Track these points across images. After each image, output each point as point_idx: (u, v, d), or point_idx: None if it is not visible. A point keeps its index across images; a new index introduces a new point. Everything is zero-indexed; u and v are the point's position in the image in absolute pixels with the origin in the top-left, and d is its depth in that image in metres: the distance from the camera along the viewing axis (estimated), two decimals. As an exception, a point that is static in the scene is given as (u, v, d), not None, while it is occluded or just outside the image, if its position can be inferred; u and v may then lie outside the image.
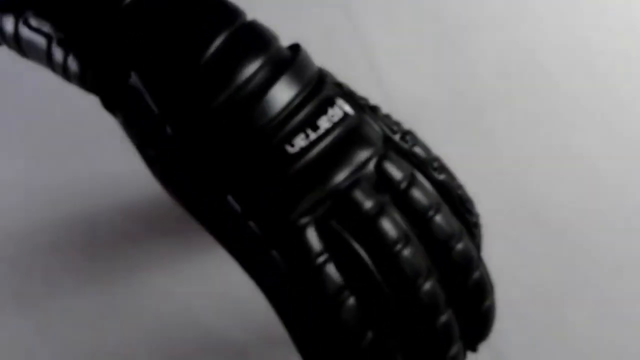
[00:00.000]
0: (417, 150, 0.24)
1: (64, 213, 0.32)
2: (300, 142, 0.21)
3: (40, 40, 0.22)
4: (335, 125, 0.22)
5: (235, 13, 0.23)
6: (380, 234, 0.21)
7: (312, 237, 0.21)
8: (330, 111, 0.22)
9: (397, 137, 0.23)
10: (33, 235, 0.32)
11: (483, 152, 0.35)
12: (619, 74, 0.40)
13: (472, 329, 0.23)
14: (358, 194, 0.21)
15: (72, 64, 0.22)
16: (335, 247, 0.21)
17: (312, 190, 0.21)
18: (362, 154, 0.22)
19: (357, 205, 0.21)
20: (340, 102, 0.23)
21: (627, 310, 0.31)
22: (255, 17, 0.24)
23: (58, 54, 0.22)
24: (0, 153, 0.34)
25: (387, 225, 0.21)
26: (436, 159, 0.24)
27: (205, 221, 0.22)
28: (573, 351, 0.29)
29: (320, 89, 0.23)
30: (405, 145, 0.24)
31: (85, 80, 0.22)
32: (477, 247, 0.24)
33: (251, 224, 0.21)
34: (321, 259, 0.20)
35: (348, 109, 0.23)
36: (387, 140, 0.23)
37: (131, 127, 0.23)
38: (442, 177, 0.24)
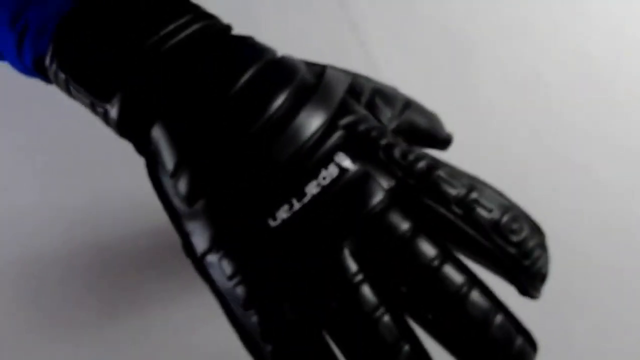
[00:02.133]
0: (444, 189, 0.22)
1: (74, 238, 0.33)
2: (282, 214, 0.21)
3: (84, 100, 0.24)
4: (324, 190, 0.21)
5: (263, 51, 0.23)
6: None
7: None
8: (323, 172, 0.21)
9: (412, 182, 0.22)
10: (41, 260, 0.32)
11: (486, 165, 0.36)
12: (620, 86, 0.41)
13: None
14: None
15: (112, 114, 0.23)
16: None
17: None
18: (350, 217, 0.21)
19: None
20: (339, 157, 0.22)
21: (628, 318, 0.32)
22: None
23: (99, 107, 0.23)
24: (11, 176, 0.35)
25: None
26: (464, 200, 0.21)
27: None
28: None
29: (329, 135, 0.22)
30: (424, 193, 0.21)
31: (121, 129, 0.23)
32: (535, 275, 0.21)
33: None
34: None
35: (347, 164, 0.21)
36: (395, 194, 0.21)
37: (151, 176, 0.23)
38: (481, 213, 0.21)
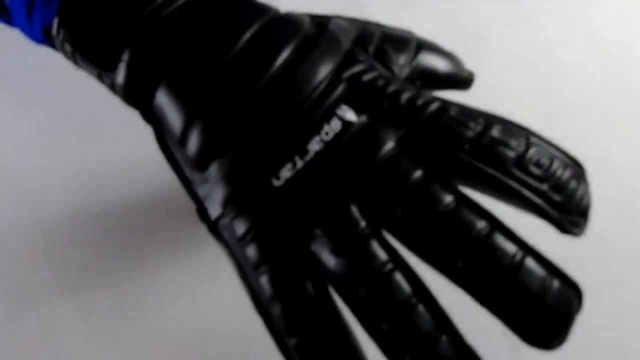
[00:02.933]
0: (457, 129, 0.20)
1: (76, 204, 0.33)
2: (286, 173, 0.20)
3: (91, 71, 0.24)
4: (328, 145, 0.20)
5: (265, 8, 0.23)
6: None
7: None
8: (326, 127, 0.20)
9: (421, 127, 0.20)
10: (41, 227, 0.32)
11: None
12: (635, 69, 0.40)
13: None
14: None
15: (118, 81, 0.23)
16: None
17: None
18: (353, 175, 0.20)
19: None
20: (342, 110, 0.21)
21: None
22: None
23: (106, 78, 0.23)
24: (12, 142, 0.35)
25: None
26: (480, 139, 0.20)
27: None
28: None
29: (332, 88, 0.21)
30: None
31: (127, 97, 0.23)
32: (571, 210, 0.20)
33: None
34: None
35: (350, 116, 0.21)
36: (404, 143, 0.20)
37: (160, 145, 0.23)
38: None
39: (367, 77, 0.21)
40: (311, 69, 0.21)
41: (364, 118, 0.21)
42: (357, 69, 0.21)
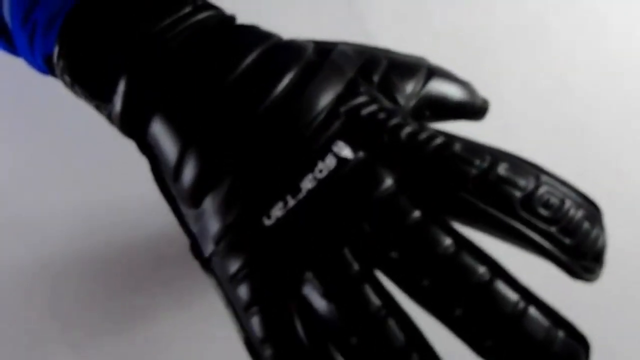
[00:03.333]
0: (461, 168, 0.19)
1: (75, 243, 0.33)
2: (277, 212, 0.19)
3: (90, 101, 0.23)
4: (321, 183, 0.19)
5: (267, 35, 0.22)
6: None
7: None
8: (320, 165, 0.19)
9: (423, 165, 0.19)
10: (49, 266, 0.32)
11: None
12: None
13: None
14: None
15: (115, 111, 0.22)
16: None
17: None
18: (348, 216, 0.19)
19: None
20: (338, 146, 0.20)
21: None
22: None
23: (104, 109, 0.23)
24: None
25: None
26: (485, 178, 0.19)
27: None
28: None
29: (330, 122, 0.20)
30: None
31: (124, 127, 0.22)
32: (583, 255, 0.18)
33: None
34: None
35: (346, 153, 0.20)
36: (403, 182, 0.19)
37: (156, 178, 0.23)
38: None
39: (366, 110, 0.20)
40: (309, 100, 0.20)
41: (361, 154, 0.20)
42: (356, 101, 0.20)
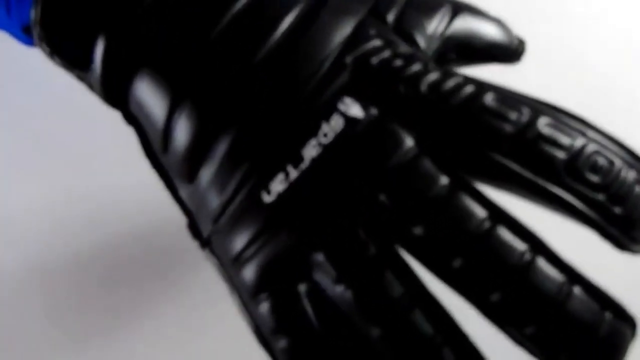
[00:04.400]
0: (493, 123, 0.16)
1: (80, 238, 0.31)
2: (277, 186, 0.17)
3: (72, 72, 0.21)
4: (327, 150, 0.16)
5: None
6: None
7: None
8: (324, 127, 0.17)
9: (449, 121, 0.16)
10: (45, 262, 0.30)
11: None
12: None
13: None
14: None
15: (95, 74, 0.20)
16: None
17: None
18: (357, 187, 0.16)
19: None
20: (344, 104, 0.17)
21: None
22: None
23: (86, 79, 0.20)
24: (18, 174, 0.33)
25: None
26: (523, 137, 0.16)
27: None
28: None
29: (334, 75, 0.17)
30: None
31: (106, 93, 0.20)
32: (634, 223, 0.16)
33: None
34: None
35: (355, 111, 0.17)
36: (425, 142, 0.16)
37: (145, 150, 0.20)
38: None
39: (378, 57, 0.17)
40: (310, 48, 0.17)
41: (373, 112, 0.17)
42: (366, 47, 0.17)
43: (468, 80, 0.17)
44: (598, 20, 0.39)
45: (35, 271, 0.30)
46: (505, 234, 0.16)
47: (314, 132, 0.17)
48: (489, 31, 0.21)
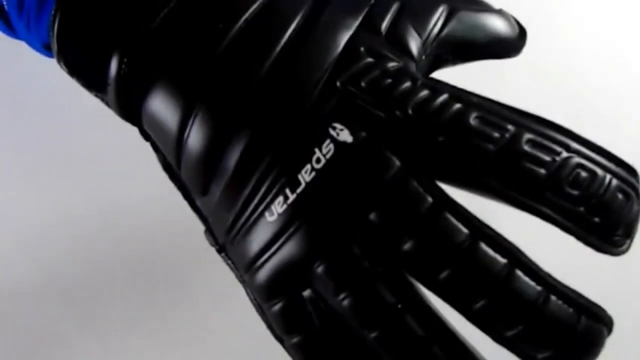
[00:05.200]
0: (477, 143, 0.17)
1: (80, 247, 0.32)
2: (278, 208, 0.18)
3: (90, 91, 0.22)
4: (320, 174, 0.17)
5: None
6: None
7: None
8: (317, 153, 0.17)
9: (436, 141, 0.17)
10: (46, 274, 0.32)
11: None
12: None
13: None
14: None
15: (111, 95, 0.21)
16: None
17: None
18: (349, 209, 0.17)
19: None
20: (335, 129, 0.17)
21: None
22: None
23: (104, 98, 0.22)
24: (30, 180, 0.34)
25: None
26: (505, 155, 0.17)
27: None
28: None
29: (324, 102, 0.18)
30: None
31: (122, 110, 0.21)
32: (611, 228, 0.17)
33: None
34: None
35: (344, 137, 0.17)
36: (412, 162, 0.17)
37: (162, 163, 0.22)
38: None
39: (367, 78, 0.18)
40: (303, 70, 0.18)
41: (362, 136, 0.17)
42: (355, 68, 0.18)
43: (454, 96, 0.18)
44: (586, 31, 0.40)
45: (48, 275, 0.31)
46: (486, 249, 0.17)
47: (308, 158, 0.18)
48: (489, 25, 0.21)
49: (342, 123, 0.18)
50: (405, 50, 0.19)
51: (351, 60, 0.18)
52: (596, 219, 0.17)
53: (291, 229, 0.18)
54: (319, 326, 0.18)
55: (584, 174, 0.17)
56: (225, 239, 0.20)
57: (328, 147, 0.18)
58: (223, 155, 0.19)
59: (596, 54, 0.39)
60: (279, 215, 0.18)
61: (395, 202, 0.17)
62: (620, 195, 0.17)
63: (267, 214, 0.18)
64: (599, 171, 0.17)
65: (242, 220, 0.19)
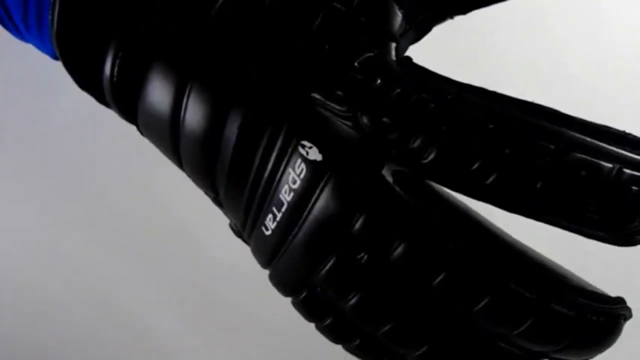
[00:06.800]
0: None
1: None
2: (270, 224, 0.19)
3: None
4: (299, 195, 0.18)
5: None
6: None
7: None
8: (291, 174, 0.18)
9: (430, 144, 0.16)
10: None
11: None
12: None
13: None
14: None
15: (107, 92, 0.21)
16: None
17: None
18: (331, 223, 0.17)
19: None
20: (303, 147, 0.17)
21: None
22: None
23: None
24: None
25: None
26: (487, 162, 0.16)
27: None
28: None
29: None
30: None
31: (120, 108, 0.21)
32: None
33: None
34: None
35: (313, 155, 0.17)
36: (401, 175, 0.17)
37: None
38: None
39: (336, 85, 0.17)
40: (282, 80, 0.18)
41: (329, 154, 0.17)
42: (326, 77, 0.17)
43: (445, 85, 0.17)
44: (581, 34, 0.41)
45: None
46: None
47: (285, 179, 0.18)
48: None
49: (310, 140, 0.17)
50: (382, 28, 0.18)
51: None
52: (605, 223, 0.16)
53: (287, 245, 0.19)
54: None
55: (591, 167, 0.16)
56: (241, 235, 0.21)
57: (299, 167, 0.17)
58: (222, 132, 0.19)
59: (591, 55, 0.39)
60: (272, 230, 0.19)
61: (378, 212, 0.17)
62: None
63: (263, 228, 0.19)
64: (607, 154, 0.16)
65: (247, 229, 0.20)
